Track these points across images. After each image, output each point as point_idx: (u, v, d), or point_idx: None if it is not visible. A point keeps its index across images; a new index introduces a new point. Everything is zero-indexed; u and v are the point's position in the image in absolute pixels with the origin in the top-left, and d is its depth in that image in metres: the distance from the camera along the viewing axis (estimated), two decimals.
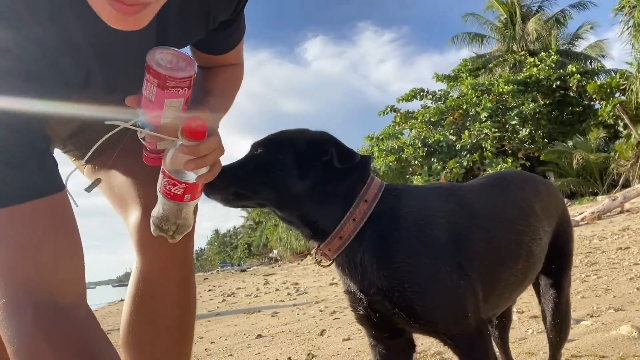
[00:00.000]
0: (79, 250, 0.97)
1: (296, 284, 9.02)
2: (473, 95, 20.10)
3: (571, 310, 2.93)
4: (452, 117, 20.59)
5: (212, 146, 0.97)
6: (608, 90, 18.59)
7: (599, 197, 14.60)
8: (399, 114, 22.10)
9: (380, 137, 22.70)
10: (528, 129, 19.27)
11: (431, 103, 22.16)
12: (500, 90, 19.79)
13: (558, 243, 1.50)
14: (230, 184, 1.18)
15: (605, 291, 3.51)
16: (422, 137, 20.18)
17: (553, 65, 21.38)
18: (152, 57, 0.90)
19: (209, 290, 11.70)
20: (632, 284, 3.64)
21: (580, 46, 25.57)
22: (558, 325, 1.52)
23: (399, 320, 1.15)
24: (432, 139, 19.79)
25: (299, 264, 18.86)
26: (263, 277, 13.50)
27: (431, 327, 1.14)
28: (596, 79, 21.27)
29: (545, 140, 19.77)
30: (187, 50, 1.17)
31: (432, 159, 19.42)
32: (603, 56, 24.86)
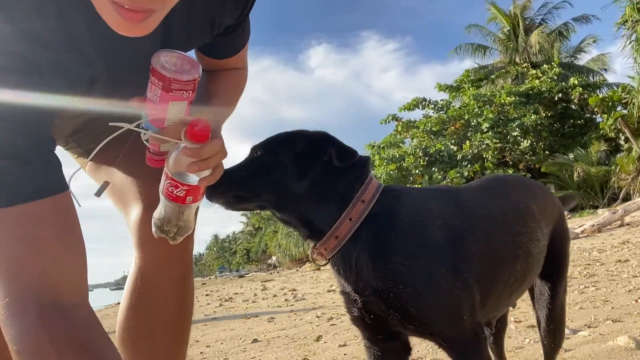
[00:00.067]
0: (82, 251, 0.98)
1: (294, 290, 8.99)
2: (475, 106, 20.12)
3: (569, 321, 2.94)
4: (453, 127, 20.61)
5: (215, 149, 0.98)
6: (610, 103, 18.61)
7: (600, 210, 14.57)
8: (400, 123, 22.12)
9: (382, 146, 22.69)
10: (529, 141, 19.27)
11: (433, 113, 22.19)
12: (502, 101, 19.82)
13: (554, 247, 1.50)
14: (231, 187, 1.19)
15: (603, 302, 3.49)
16: (424, 146, 20.18)
17: (555, 78, 21.43)
18: (157, 59, 0.91)
19: (207, 295, 11.66)
20: (630, 295, 3.63)
21: (583, 59, 25.69)
22: (552, 332, 1.52)
23: (394, 321, 1.14)
24: (434, 149, 19.78)
25: (297, 270, 18.80)
26: (261, 282, 13.45)
27: (426, 329, 1.14)
28: (598, 92, 21.31)
29: (547, 152, 19.77)
30: (191, 53, 1.18)
31: (433, 169, 19.40)
32: (605, 70, 24.97)
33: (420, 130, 21.01)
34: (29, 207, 0.89)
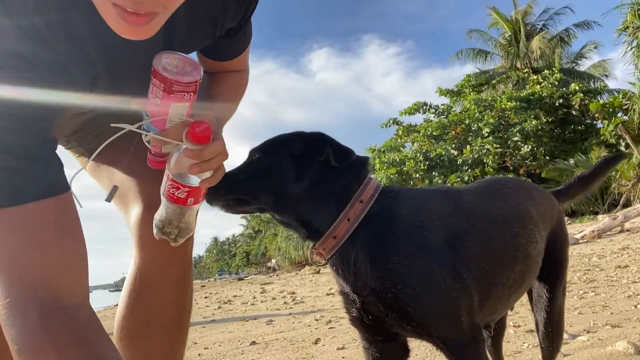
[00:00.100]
0: (83, 252, 0.98)
1: (293, 293, 8.97)
2: (476, 111, 20.15)
3: (568, 326, 2.93)
4: (454, 132, 20.62)
5: (216, 150, 0.98)
6: (610, 109, 18.63)
7: (600, 216, 14.56)
8: (401, 127, 22.14)
9: (382, 150, 22.71)
10: (530, 146, 19.28)
11: (434, 117, 22.21)
12: (503, 106, 19.84)
13: (553, 250, 1.50)
14: (231, 191, 1.20)
15: (602, 308, 3.48)
16: (424, 150, 20.19)
17: (556, 84, 21.46)
18: (158, 61, 0.92)
19: (206, 298, 11.64)
20: (629, 301, 3.62)
21: (584, 65, 25.74)
22: (550, 335, 1.51)
23: (392, 322, 1.14)
24: (434, 153, 19.79)
25: (296, 273, 18.78)
26: (260, 285, 13.43)
27: (424, 330, 1.13)
28: (599, 98, 21.33)
29: (547, 157, 19.77)
30: (193, 55, 1.18)
31: (434, 173, 19.41)
32: (606, 76, 25.02)
33: (421, 134, 21.03)
34: (32, 207, 0.89)
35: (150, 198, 1.24)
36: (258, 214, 1.36)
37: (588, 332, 2.81)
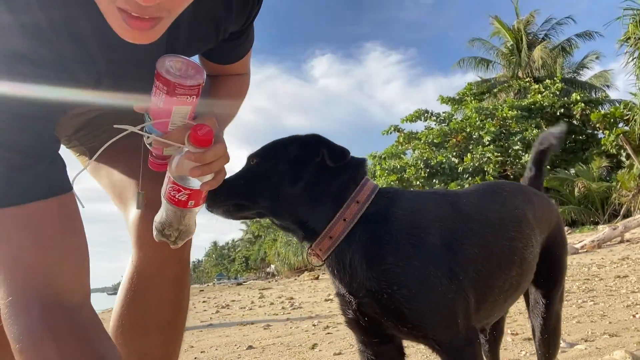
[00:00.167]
0: (85, 252, 0.98)
1: (291, 298, 8.94)
2: (477, 119, 20.16)
3: (566, 334, 2.92)
4: (455, 140, 20.62)
5: (218, 153, 0.99)
6: (612, 120, 18.64)
7: (600, 226, 14.53)
8: (402, 134, 22.14)
9: (383, 156, 22.72)
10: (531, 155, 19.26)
11: (435, 125, 22.23)
12: (504, 115, 19.86)
13: (550, 255, 1.49)
14: (231, 196, 1.21)
15: (601, 317, 3.47)
16: (425, 158, 20.19)
17: (557, 93, 21.48)
18: (161, 64, 0.92)
19: (204, 302, 11.60)
20: (628, 311, 3.60)
21: (585, 75, 25.77)
22: (547, 340, 1.50)
23: (388, 323, 1.14)
24: (435, 161, 19.79)
25: (295, 279, 18.71)
26: (259, 290, 13.39)
27: (419, 332, 1.13)
28: (600, 108, 21.35)
29: (548, 166, 19.69)
30: (195, 58, 1.19)
31: (434, 181, 19.39)
32: (608, 86, 25.03)
33: (422, 141, 21.03)
34: (35, 206, 0.90)
35: (150, 198, 1.24)
36: (258, 219, 1.37)
37: (586, 340, 2.80)
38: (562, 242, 1.57)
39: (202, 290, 21.70)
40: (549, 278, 1.51)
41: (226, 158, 1.03)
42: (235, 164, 1.24)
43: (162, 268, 1.29)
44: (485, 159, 18.91)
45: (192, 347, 4.29)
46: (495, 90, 23.93)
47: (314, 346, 3.56)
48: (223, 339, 4.65)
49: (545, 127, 20.34)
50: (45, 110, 0.91)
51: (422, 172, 19.63)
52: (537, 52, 24.31)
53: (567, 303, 4.21)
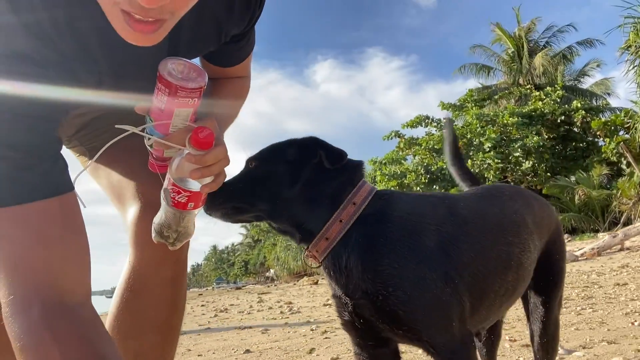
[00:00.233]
0: (86, 251, 0.99)
1: (290, 303, 8.93)
2: (477, 126, 20.18)
3: (564, 341, 2.90)
4: None
5: (218, 156, 0.99)
6: (612, 127, 18.66)
7: (600, 234, 14.51)
8: (403, 140, 22.17)
9: (384, 162, 22.75)
10: (531, 162, 19.27)
11: (436, 130, 22.24)
12: (505, 121, 19.88)
13: (549, 260, 1.49)
14: (229, 199, 1.21)
15: (599, 324, 3.46)
16: (425, 163, 20.21)
17: (558, 100, 21.51)
18: (164, 66, 0.92)
19: (202, 306, 11.59)
20: (627, 318, 3.59)
21: (586, 83, 25.82)
22: (545, 345, 1.50)
23: (383, 326, 1.13)
24: (435, 167, 19.80)
25: (295, 284, 18.71)
26: (258, 295, 13.38)
27: (414, 335, 1.12)
28: (601, 116, 21.37)
29: (548, 174, 19.75)
30: (197, 61, 1.20)
31: (435, 186, 19.39)
32: (608, 94, 25.07)
33: (423, 147, 21.05)
34: (37, 206, 0.90)
35: (148, 198, 1.25)
36: (258, 223, 1.37)
37: (584, 347, 2.79)
38: (561, 248, 1.57)
39: (201, 294, 21.70)
40: (548, 283, 1.50)
41: (226, 161, 1.03)
42: (236, 168, 1.25)
43: (160, 269, 1.29)
44: (486, 165, 18.92)
45: (190, 350, 4.28)
46: (496, 97, 23.96)
47: (311, 351, 3.55)
48: (221, 342, 4.64)
49: (546, 134, 20.40)
50: (47, 110, 0.92)
51: (423, 178, 19.64)
52: (538, 59, 24.37)
53: (565, 310, 4.19)
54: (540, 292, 1.51)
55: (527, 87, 24.18)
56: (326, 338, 4.10)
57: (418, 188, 19.51)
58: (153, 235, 1.08)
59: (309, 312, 6.95)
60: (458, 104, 24.71)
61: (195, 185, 1.00)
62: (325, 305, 7.48)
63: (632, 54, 14.90)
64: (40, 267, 0.89)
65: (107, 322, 1.31)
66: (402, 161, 22.47)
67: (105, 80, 1.01)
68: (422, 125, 22.40)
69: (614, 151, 17.96)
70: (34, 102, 0.88)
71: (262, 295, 13.12)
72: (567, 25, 25.75)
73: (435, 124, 22.39)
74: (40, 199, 0.90)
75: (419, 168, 19.98)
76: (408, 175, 19.88)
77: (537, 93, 22.38)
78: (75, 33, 0.90)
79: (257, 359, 3.50)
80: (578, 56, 25.49)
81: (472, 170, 18.72)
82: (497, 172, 18.79)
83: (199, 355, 3.95)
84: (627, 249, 10.50)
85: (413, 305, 1.09)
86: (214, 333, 5.63)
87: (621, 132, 18.72)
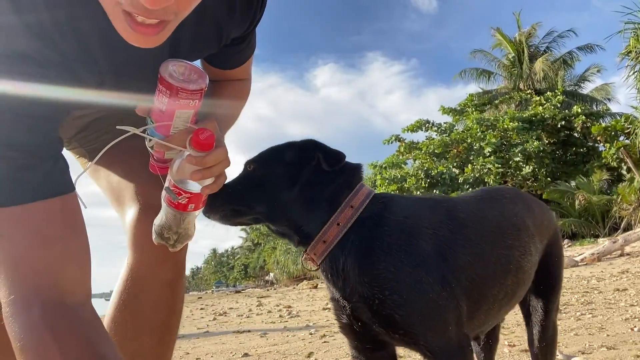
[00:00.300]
0: (87, 252, 0.99)
1: (289, 307, 8.91)
2: (478, 130, 20.20)
3: (563, 347, 2.90)
4: (456, 150, 20.65)
5: (219, 157, 0.99)
6: (612, 133, 18.68)
7: (600, 239, 14.49)
8: (403, 144, 22.19)
9: (384, 166, 22.75)
10: (531, 167, 19.28)
11: (436, 135, 22.26)
12: (505, 126, 19.90)
13: (548, 264, 1.48)
14: (228, 202, 1.22)
15: (599, 330, 3.45)
16: (426, 168, 20.21)
17: (559, 105, 21.53)
18: (165, 68, 0.93)
19: (201, 309, 11.56)
20: (626, 324, 3.58)
21: (587, 88, 25.83)
22: (544, 350, 1.49)
23: (380, 330, 1.13)
24: (435, 171, 19.80)
25: (294, 288, 18.66)
26: (257, 298, 13.35)
27: (410, 338, 1.12)
28: (601, 121, 21.37)
29: (548, 179, 19.75)
30: (197, 63, 1.20)
31: (435, 191, 19.37)
32: (609, 99, 25.08)
33: (423, 152, 21.06)
34: (38, 206, 0.90)
35: (147, 200, 1.25)
36: (257, 226, 1.37)
37: (583, 353, 2.78)
38: (559, 252, 1.57)
39: (201, 298, 21.65)
40: (548, 286, 1.50)
41: (227, 162, 1.03)
42: (236, 170, 1.25)
43: (158, 270, 1.29)
44: (486, 170, 18.92)
45: (188, 354, 4.27)
46: (496, 101, 23.98)
47: (309, 355, 3.54)
48: (219, 346, 4.62)
49: (546, 139, 20.41)
50: (48, 111, 0.92)
51: (423, 182, 19.64)
52: (539, 65, 24.40)
53: (565, 315, 4.18)
54: (540, 296, 1.50)
55: (528, 92, 24.21)
56: (325, 342, 4.09)
57: (418, 192, 19.48)
58: (153, 236, 1.09)
59: (308, 316, 6.93)
60: (458, 108, 24.73)
61: (195, 187, 1.01)
62: (324, 309, 7.46)
63: (632, 60, 14.93)
64: (41, 267, 0.90)
65: (105, 324, 1.31)
66: (403, 165, 22.48)
67: (107, 81, 1.01)
68: (422, 130, 22.43)
69: (614, 156, 17.97)
70: (35, 102, 0.88)
71: (262, 298, 13.10)
72: (568, 30, 25.81)
73: (435, 128, 22.41)
74: (41, 199, 0.90)
75: (419, 172, 19.98)
76: (408, 180, 19.88)
77: (538, 98, 22.41)
78: (77, 33, 0.90)
79: None
80: (578, 61, 25.55)
81: (472, 174, 18.83)
82: (497, 177, 18.78)
83: (197, 359, 3.94)
84: (627, 254, 10.48)
85: (409, 309, 1.09)
86: (213, 337, 5.62)
87: (621, 138, 18.73)
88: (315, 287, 14.70)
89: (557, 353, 1.94)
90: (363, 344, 1.24)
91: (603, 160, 18.88)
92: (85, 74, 0.96)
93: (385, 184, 20.11)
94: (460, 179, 19.41)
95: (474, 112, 23.09)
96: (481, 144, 19.78)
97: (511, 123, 19.86)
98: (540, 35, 26.25)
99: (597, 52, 25.04)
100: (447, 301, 1.11)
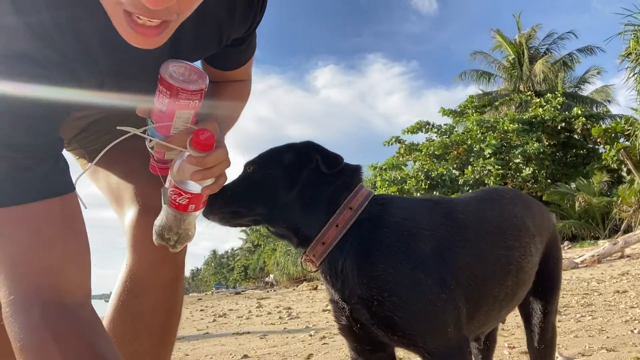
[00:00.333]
0: (87, 252, 0.99)
1: (289, 308, 8.90)
2: (478, 132, 20.21)
3: (563, 349, 2.89)
4: (456, 152, 20.66)
5: (219, 158, 1.00)
6: (613, 134, 18.69)
7: (600, 241, 14.49)
8: (403, 146, 22.20)
9: (384, 167, 22.76)
10: (531, 169, 19.29)
11: (436, 137, 22.27)
12: (505, 128, 19.91)
13: (547, 265, 1.48)
14: (228, 203, 1.22)
15: (599, 332, 3.44)
16: (426, 169, 20.22)
17: (559, 107, 21.55)
18: (165, 69, 0.93)
19: (201, 310, 11.56)
20: (626, 326, 3.58)
21: (587, 90, 25.86)
22: (543, 352, 1.49)
23: (379, 331, 1.13)
24: (435, 173, 19.82)
25: (294, 289, 18.65)
26: (257, 300, 13.34)
27: (409, 340, 1.12)
28: (601, 123, 21.39)
29: (549, 180, 19.76)
30: (198, 64, 1.20)
31: (435, 192, 19.38)
32: (609, 101, 25.10)
33: (423, 153, 21.07)
34: (38, 206, 0.90)
35: (146, 201, 1.25)
36: (257, 227, 1.38)
37: (583, 355, 2.77)
38: (558, 253, 1.57)
39: (200, 299, 21.66)
40: (547, 287, 1.50)
41: (227, 163, 1.03)
42: (236, 171, 1.25)
43: (157, 272, 1.29)
44: (486, 171, 18.93)
45: (187, 355, 4.26)
46: (496, 103, 23.99)
47: (309, 356, 3.54)
48: (219, 347, 4.62)
49: (546, 141, 20.42)
50: (49, 111, 0.92)
51: (423, 184, 19.64)
52: (539, 66, 24.42)
53: (565, 317, 4.18)
54: (539, 297, 1.50)
55: (528, 93, 24.23)
56: (324, 344, 4.09)
57: (418, 194, 19.47)
58: (154, 237, 1.09)
59: (307, 317, 6.93)
60: (459, 110, 24.76)
61: (196, 187, 1.01)
62: (324, 310, 7.46)
63: (632, 62, 14.94)
64: (41, 267, 0.90)
65: (104, 325, 1.31)
66: (403, 167, 22.49)
67: (107, 81, 1.01)
68: (422, 131, 22.45)
69: (615, 158, 17.98)
70: (35, 103, 0.88)
71: (261, 300, 13.09)
72: (568, 32, 25.83)
73: (435, 130, 22.42)
74: (41, 199, 0.90)
75: (419, 174, 19.99)
76: (408, 181, 19.89)
77: (538, 100, 22.43)
78: (77, 33, 0.90)
79: None
80: (578, 63, 25.58)
81: (472, 176, 18.84)
82: (497, 179, 18.79)
83: None
84: (628, 256, 10.48)
85: (408, 311, 1.09)
86: (212, 338, 5.61)
87: (621, 139, 18.75)
88: (315, 288, 14.69)
89: (557, 355, 1.94)
90: (362, 346, 1.24)
91: (603, 162, 18.89)
92: (85, 74, 0.96)
93: (385, 185, 20.12)
94: (461, 181, 19.42)
95: (474, 114, 23.11)
96: (481, 145, 19.79)
97: (511, 125, 19.87)
98: (541, 37, 26.30)
99: (597, 54, 25.05)
100: (446, 303, 1.11)
